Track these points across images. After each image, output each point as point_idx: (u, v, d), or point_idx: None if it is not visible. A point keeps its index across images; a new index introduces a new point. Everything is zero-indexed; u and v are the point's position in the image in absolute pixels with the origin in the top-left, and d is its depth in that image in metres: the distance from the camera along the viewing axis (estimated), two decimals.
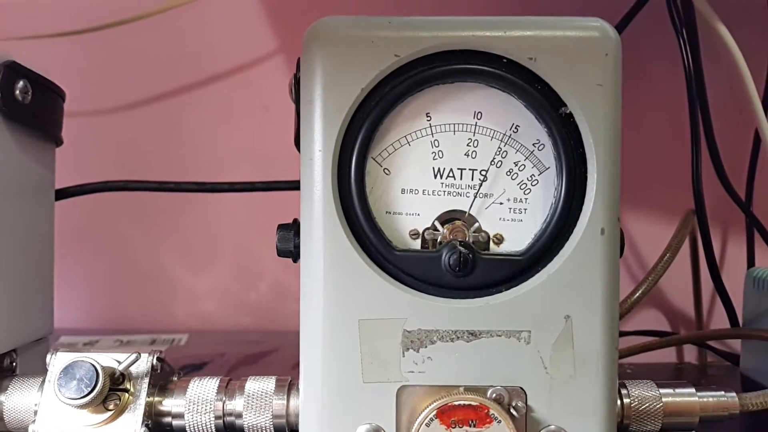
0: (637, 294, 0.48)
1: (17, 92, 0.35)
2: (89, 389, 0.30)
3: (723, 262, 0.66)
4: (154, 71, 0.67)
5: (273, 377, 0.34)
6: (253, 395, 0.33)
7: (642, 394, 0.33)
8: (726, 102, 0.60)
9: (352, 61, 0.29)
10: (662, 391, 0.34)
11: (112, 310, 0.68)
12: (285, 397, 0.33)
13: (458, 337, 0.29)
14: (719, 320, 0.66)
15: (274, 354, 0.58)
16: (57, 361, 0.33)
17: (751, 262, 0.62)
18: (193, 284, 0.69)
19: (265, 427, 0.32)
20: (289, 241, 0.33)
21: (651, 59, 0.63)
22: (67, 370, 0.31)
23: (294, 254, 0.34)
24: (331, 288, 0.30)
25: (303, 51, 0.30)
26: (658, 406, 0.33)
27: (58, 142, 0.40)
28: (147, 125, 0.68)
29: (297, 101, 0.33)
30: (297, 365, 0.32)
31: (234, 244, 0.69)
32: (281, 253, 0.35)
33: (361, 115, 0.30)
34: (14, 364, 0.36)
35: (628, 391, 0.33)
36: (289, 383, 0.33)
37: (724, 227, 0.66)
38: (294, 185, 0.40)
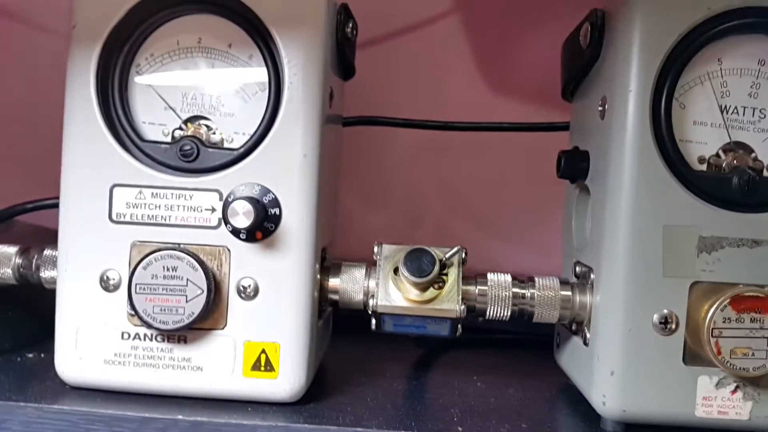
0: None
1: (348, 29, 0.42)
2: (429, 270, 0.38)
3: None
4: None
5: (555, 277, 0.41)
6: (543, 287, 0.40)
7: None
8: None
9: (670, 12, 0.36)
10: None
11: None
12: (570, 293, 0.40)
13: (743, 244, 0.36)
14: None
15: None
16: (383, 251, 0.40)
17: None
18: (365, 221, 0.75)
19: (553, 315, 0.40)
20: (575, 164, 0.40)
21: None
22: (411, 256, 0.38)
23: (576, 175, 0.41)
24: (641, 198, 0.36)
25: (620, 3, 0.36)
26: None
27: (349, 75, 0.47)
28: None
29: (591, 46, 0.39)
30: None
31: (404, 186, 0.74)
32: (564, 174, 0.42)
33: (671, 60, 0.36)
34: (325, 256, 0.43)
35: None
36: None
37: None
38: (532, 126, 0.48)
